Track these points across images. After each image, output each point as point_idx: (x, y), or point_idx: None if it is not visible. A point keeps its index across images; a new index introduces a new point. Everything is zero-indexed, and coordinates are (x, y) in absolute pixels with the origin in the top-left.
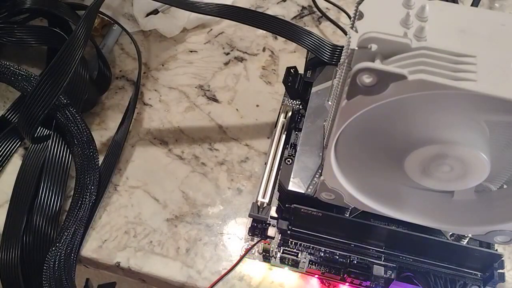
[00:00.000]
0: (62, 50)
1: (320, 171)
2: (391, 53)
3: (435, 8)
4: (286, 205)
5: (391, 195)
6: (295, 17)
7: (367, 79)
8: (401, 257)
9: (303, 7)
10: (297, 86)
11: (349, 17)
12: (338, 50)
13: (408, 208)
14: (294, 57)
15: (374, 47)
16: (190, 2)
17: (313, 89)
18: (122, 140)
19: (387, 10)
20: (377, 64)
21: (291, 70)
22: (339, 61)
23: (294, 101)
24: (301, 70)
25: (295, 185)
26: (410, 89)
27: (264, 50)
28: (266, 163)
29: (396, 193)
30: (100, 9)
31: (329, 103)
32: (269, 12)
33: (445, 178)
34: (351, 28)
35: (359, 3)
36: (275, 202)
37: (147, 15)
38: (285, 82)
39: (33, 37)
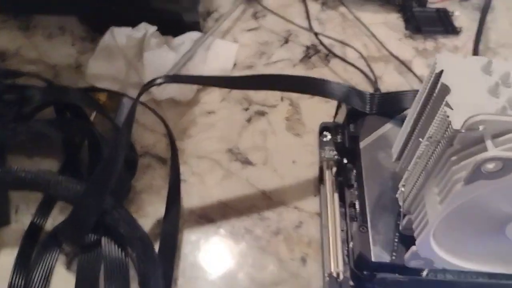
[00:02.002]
0: (103, 164)
1: (397, 234)
2: (501, 133)
3: (509, 66)
4: (365, 272)
5: (482, 252)
6: (302, 58)
7: (490, 165)
8: None
9: (307, 47)
10: (346, 145)
11: (356, 50)
12: (376, 99)
13: (500, 261)
14: (314, 102)
15: (481, 127)
16: (202, 77)
17: (361, 144)
18: (176, 230)
19: (469, 79)
20: (506, 152)
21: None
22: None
23: (331, 151)
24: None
25: (378, 255)
26: None
27: (282, 99)
28: (325, 227)
29: (488, 250)
30: (107, 83)
31: (406, 168)
32: (274, 57)
33: None
34: (446, 106)
35: (439, 75)
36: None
37: None
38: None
39: (51, 130)
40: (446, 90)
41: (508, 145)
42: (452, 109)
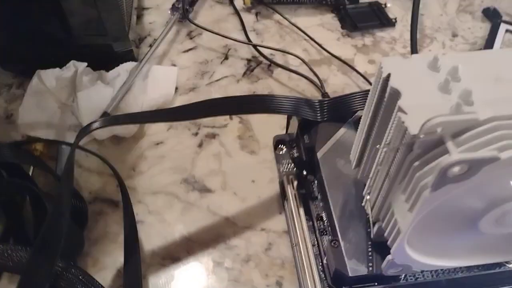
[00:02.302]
0: (48, 224)
1: (370, 243)
2: (460, 132)
3: (455, 60)
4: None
5: (458, 248)
6: (245, 72)
7: (456, 169)
8: None
9: (248, 60)
10: (304, 157)
11: (297, 56)
12: (326, 105)
13: (475, 253)
14: (264, 115)
15: (439, 129)
16: (143, 114)
17: (319, 154)
18: (138, 277)
19: (418, 79)
20: (469, 154)
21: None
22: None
23: (289, 164)
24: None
25: (354, 269)
26: (501, 166)
27: (231, 118)
28: (295, 245)
29: (464, 245)
30: (42, 131)
31: (368, 175)
32: (216, 75)
33: None
34: (400, 111)
35: (386, 80)
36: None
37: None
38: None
39: None
40: (396, 94)
41: (470, 143)
42: (406, 113)
